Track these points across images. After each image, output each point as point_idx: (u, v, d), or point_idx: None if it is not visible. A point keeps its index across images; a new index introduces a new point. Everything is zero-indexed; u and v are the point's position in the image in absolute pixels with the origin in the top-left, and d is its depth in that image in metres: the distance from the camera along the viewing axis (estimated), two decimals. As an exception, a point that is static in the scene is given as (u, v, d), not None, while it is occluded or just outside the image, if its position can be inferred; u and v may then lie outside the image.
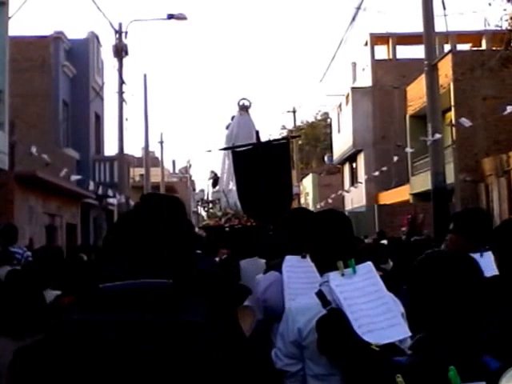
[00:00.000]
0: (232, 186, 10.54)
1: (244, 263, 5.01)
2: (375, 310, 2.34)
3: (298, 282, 3.08)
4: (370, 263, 2.50)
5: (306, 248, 3.05)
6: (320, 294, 2.45)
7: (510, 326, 2.18)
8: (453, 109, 18.29)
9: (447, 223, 3.52)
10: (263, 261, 4.81)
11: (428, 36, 10.85)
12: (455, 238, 3.41)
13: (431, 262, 1.83)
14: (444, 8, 11.13)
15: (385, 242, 13.14)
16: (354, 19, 15.26)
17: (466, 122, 11.10)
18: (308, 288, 2.93)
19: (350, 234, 2.66)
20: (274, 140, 8.95)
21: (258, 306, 3.28)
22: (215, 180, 13.15)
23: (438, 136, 10.15)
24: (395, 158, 15.81)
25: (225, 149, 10.28)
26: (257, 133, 8.16)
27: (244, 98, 10.96)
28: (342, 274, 2.40)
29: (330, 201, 22.89)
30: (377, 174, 18.96)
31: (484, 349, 1.71)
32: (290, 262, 3.17)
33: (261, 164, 7.21)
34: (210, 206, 13.67)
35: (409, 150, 18.21)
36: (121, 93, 17.70)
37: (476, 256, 2.37)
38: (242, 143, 8.82)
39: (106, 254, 1.92)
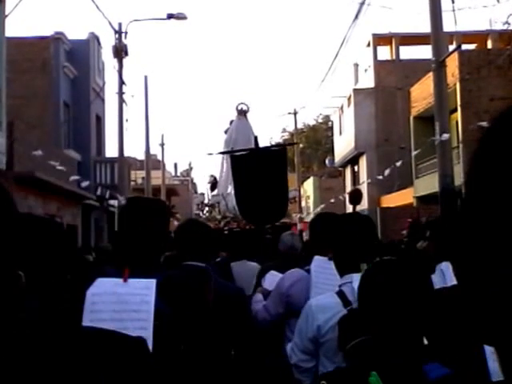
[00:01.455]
0: (230, 189, 10.55)
1: (234, 265, 5.13)
2: None
3: (325, 282, 3.15)
4: None
5: (330, 250, 3.18)
6: (341, 294, 2.50)
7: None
8: (459, 109, 18.02)
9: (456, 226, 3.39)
10: (253, 263, 5.06)
11: (435, 32, 10.59)
12: (432, 246, 3.42)
13: (379, 270, 1.86)
14: (453, 1, 10.86)
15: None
16: (357, 16, 15.07)
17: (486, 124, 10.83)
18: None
19: (373, 237, 2.69)
20: (272, 146, 9.28)
21: (281, 300, 3.44)
22: (213, 184, 13.13)
23: (446, 136, 9.90)
24: (399, 162, 15.48)
25: (223, 153, 10.27)
26: (255, 138, 8.30)
27: (242, 103, 11.17)
28: None
29: (332, 200, 22.59)
30: (381, 177, 18.68)
31: (430, 356, 1.70)
32: (318, 262, 3.25)
33: (258, 169, 7.42)
34: (209, 209, 13.68)
35: (414, 152, 17.95)
36: (121, 93, 17.49)
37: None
38: (240, 148, 9.02)
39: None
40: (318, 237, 3.43)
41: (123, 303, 2.01)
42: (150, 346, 1.76)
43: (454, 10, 10.77)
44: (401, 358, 1.66)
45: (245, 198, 7.76)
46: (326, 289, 3.06)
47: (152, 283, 2.04)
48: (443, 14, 10.61)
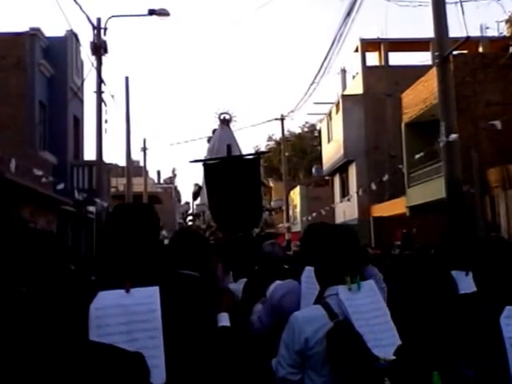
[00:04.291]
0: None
1: None
2: (379, 327, 2.39)
3: (315, 293, 3.10)
4: (372, 281, 2.58)
5: None
6: (326, 306, 2.49)
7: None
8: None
9: (466, 235, 2.89)
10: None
11: (439, 25, 9.84)
12: None
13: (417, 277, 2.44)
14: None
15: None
16: (349, 14, 14.31)
17: (498, 124, 10.09)
18: None
19: (357, 249, 2.70)
20: (245, 155, 9.42)
21: (274, 311, 3.47)
22: (195, 193, 13.20)
23: (454, 136, 9.05)
24: (400, 167, 14.67)
25: (197, 161, 10.31)
26: (228, 147, 8.37)
27: (225, 112, 11.24)
28: (349, 289, 2.47)
29: (323, 212, 21.79)
30: (374, 188, 17.95)
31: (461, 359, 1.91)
32: (308, 272, 3.20)
33: (231, 178, 7.45)
34: (193, 218, 13.85)
35: (408, 158, 17.18)
36: (99, 92, 16.51)
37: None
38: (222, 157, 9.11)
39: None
40: (309, 246, 3.39)
41: (130, 314, 2.03)
42: (162, 354, 1.95)
43: (460, 2, 9.95)
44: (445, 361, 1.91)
45: (217, 206, 7.78)
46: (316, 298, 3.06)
47: (156, 291, 2.06)
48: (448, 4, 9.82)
